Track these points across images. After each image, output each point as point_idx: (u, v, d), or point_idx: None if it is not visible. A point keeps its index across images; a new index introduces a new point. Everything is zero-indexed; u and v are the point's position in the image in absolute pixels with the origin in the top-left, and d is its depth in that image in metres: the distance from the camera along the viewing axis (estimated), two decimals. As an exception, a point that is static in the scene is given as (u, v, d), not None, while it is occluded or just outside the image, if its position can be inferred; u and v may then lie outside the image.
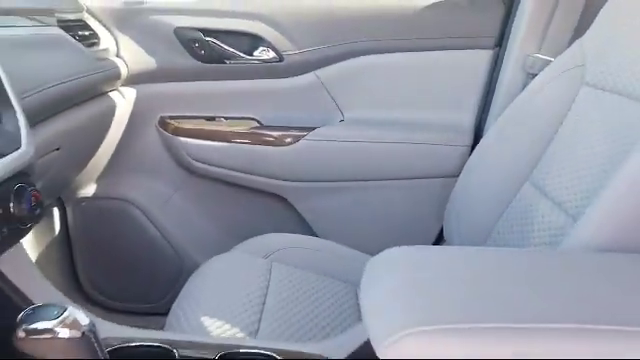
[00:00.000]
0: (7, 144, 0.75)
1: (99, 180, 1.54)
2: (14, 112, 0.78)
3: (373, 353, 0.73)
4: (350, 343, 0.80)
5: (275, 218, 1.67)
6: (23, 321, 0.55)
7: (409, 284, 0.62)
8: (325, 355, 0.77)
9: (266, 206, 1.67)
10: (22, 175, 0.77)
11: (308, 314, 1.02)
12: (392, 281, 0.63)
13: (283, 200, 1.63)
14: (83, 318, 0.58)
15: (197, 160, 1.59)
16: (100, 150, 1.43)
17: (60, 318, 0.56)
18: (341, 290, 1.15)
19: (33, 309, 0.58)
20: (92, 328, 0.58)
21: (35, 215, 0.76)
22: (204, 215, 1.71)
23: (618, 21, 1.05)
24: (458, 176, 1.34)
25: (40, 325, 0.56)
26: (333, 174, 1.57)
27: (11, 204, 0.71)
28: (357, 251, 1.32)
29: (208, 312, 0.99)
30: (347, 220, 1.56)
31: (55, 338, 0.56)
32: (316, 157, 1.55)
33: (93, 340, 0.57)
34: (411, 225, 1.55)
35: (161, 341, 0.78)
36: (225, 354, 0.76)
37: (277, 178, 1.59)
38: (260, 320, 0.99)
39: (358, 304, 1.08)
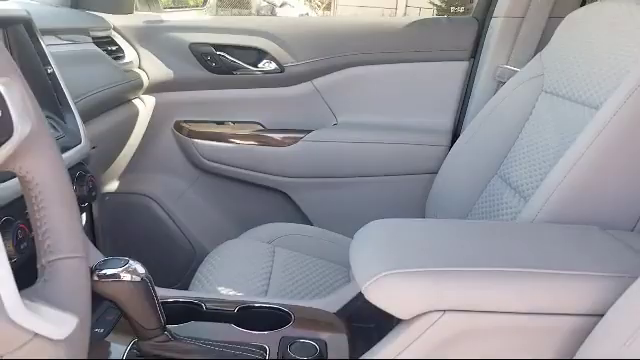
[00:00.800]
0: (71, 140, 0.88)
1: (121, 177, 1.61)
2: (73, 114, 0.93)
3: (358, 307, 0.88)
4: (340, 300, 0.90)
5: (276, 210, 1.73)
6: (96, 268, 0.63)
7: (386, 243, 0.77)
8: (322, 307, 0.89)
9: (268, 199, 1.72)
10: (81, 164, 0.89)
11: (305, 283, 1.12)
12: (374, 242, 0.78)
13: (283, 194, 1.69)
14: (141, 267, 0.73)
15: (208, 159, 1.67)
16: (123, 151, 1.51)
17: (124, 267, 0.72)
18: (333, 269, 1.22)
19: (104, 260, 0.72)
20: (148, 275, 0.73)
21: (92, 196, 0.90)
22: (214, 208, 1.77)
23: (569, 39, 1.15)
24: (437, 172, 1.42)
25: (109, 271, 0.69)
26: (327, 171, 1.65)
27: (74, 187, 0.85)
28: (347, 238, 1.33)
29: (224, 281, 1.09)
30: (339, 211, 1.61)
31: (120, 281, 0.71)
32: (312, 156, 1.63)
33: (149, 284, 0.73)
34: (396, 216, 1.60)
35: (191, 298, 0.88)
36: (242, 307, 0.86)
37: (278, 175, 1.66)
38: (268, 286, 1.09)
39: (347, 278, 1.18)
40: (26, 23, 0.90)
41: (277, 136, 1.64)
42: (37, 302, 0.42)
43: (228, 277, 1.11)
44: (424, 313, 0.66)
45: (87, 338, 0.46)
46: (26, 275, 0.47)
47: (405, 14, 11.76)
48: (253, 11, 10.17)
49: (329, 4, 11.19)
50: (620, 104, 0.85)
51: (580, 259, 0.71)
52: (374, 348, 0.70)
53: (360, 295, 0.85)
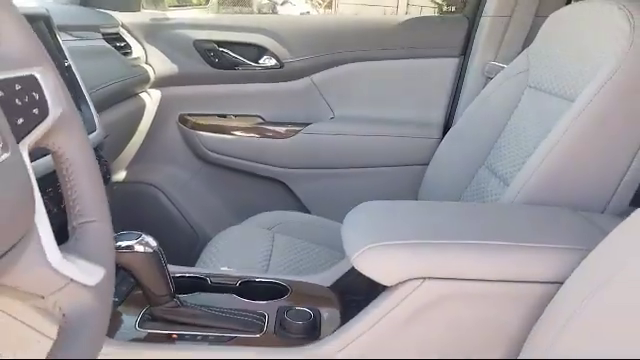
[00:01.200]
0: (86, 127, 0.97)
1: (129, 167, 1.67)
2: (88, 104, 1.00)
3: (349, 282, 0.95)
4: (333, 275, 0.97)
5: (275, 199, 1.77)
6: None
7: (373, 221, 0.84)
8: (317, 282, 0.96)
9: (268, 189, 1.77)
10: (96, 150, 0.96)
11: (303, 264, 1.19)
12: (363, 220, 0.85)
13: (282, 184, 1.74)
14: (153, 241, 0.80)
15: (211, 151, 1.72)
16: (131, 142, 1.56)
17: (138, 239, 0.79)
18: (328, 253, 1.27)
19: (120, 234, 0.79)
20: (160, 248, 0.80)
21: (106, 179, 0.97)
22: (216, 197, 1.82)
23: (553, 36, 1.19)
24: (429, 163, 1.47)
25: (124, 243, 0.74)
26: (324, 162, 1.70)
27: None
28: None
29: (226, 263, 1.15)
30: (335, 200, 1.66)
31: (134, 252, 0.77)
32: (310, 148, 1.68)
33: (160, 255, 0.80)
34: (390, 205, 1.68)
35: (197, 273, 0.96)
36: (244, 281, 0.93)
37: (277, 166, 1.71)
38: (268, 266, 1.15)
39: (340, 259, 1.25)
40: (46, 20, 0.98)
41: (277, 129, 1.69)
42: (71, 256, 0.50)
43: (230, 259, 1.18)
44: (406, 280, 0.74)
45: (112, 287, 0.54)
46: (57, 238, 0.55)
47: (407, 12, 11.79)
48: (254, 9, 10.18)
49: (330, 2, 11.20)
50: (592, 96, 0.91)
51: (546, 234, 0.78)
52: (361, 312, 0.77)
53: (351, 271, 0.94)
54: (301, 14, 8.91)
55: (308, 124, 1.67)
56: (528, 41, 1.46)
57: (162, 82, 1.65)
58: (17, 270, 0.44)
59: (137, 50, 1.58)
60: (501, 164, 1.20)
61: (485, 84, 1.50)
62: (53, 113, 0.52)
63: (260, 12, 9.58)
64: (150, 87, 1.62)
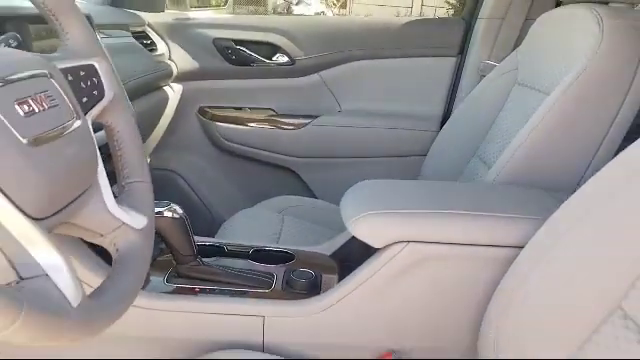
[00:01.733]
0: None
1: (152, 155, 1.73)
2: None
3: (347, 251, 1.07)
4: (334, 245, 1.09)
5: (286, 185, 1.85)
6: None
7: (367, 194, 0.97)
8: (319, 251, 1.09)
9: (279, 176, 1.86)
10: None
11: (307, 240, 1.29)
12: (359, 194, 0.97)
13: (292, 171, 1.84)
14: (179, 209, 0.93)
15: (227, 140, 1.81)
16: (154, 132, 1.63)
17: (167, 207, 0.91)
18: (330, 232, 1.31)
19: None
20: (185, 215, 0.94)
21: None
22: (231, 182, 1.90)
23: (539, 37, 1.28)
24: (427, 154, 1.55)
25: (155, 209, 0.84)
26: (331, 152, 1.79)
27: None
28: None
29: (242, 235, 1.28)
30: (340, 187, 1.55)
31: (164, 217, 0.88)
32: (318, 139, 1.76)
33: (186, 221, 0.93)
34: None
35: (215, 242, 1.09)
36: (256, 250, 1.06)
37: (288, 155, 1.80)
38: (279, 239, 1.27)
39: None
40: (88, 19, 1.11)
41: (288, 121, 1.78)
42: (122, 206, 0.64)
43: (243, 237, 1.28)
44: (392, 243, 0.86)
45: (153, 232, 0.68)
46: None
47: (421, 13, 11.85)
48: (269, 8, 10.27)
49: (344, 2, 11.27)
50: (565, 90, 1.01)
51: (511, 206, 0.90)
52: (355, 271, 0.90)
53: (349, 241, 1.07)
54: (316, 13, 9.02)
55: (317, 117, 1.76)
56: (519, 41, 1.52)
57: (184, 77, 1.73)
58: (84, 213, 0.58)
59: (161, 47, 1.66)
60: (490, 154, 1.29)
61: (480, 81, 1.56)
62: (108, 95, 0.67)
63: (275, 11, 9.69)
64: (173, 81, 1.69)
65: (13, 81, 0.49)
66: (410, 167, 1.71)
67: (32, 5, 0.63)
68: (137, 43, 1.49)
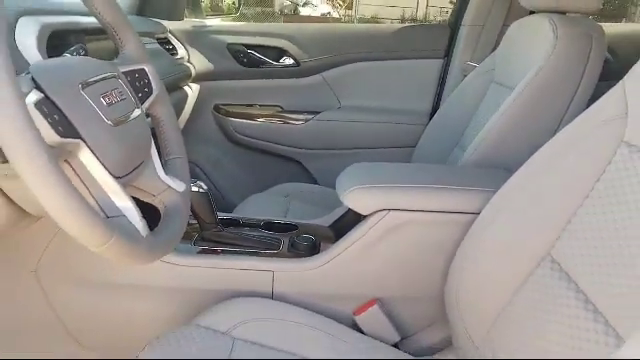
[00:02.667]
0: None
1: None
2: None
3: (343, 222, 1.25)
4: (331, 218, 1.24)
5: (291, 174, 1.97)
6: None
7: (358, 172, 1.15)
8: (319, 223, 1.26)
9: (285, 165, 1.99)
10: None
11: (310, 217, 1.38)
12: (351, 172, 1.15)
13: (297, 161, 1.97)
14: (204, 185, 1.12)
15: (239, 134, 1.95)
16: None
17: (194, 183, 1.09)
18: (330, 213, 1.42)
19: None
20: (209, 191, 1.13)
21: None
22: (242, 172, 2.04)
23: (513, 41, 1.42)
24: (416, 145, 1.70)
25: None
26: (332, 144, 1.92)
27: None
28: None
29: (254, 213, 1.43)
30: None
31: (191, 191, 1.09)
32: (321, 132, 1.90)
33: (209, 195, 1.11)
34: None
35: (230, 216, 1.27)
36: (266, 222, 1.24)
37: (293, 146, 1.93)
38: (285, 216, 1.44)
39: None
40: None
41: (293, 116, 1.91)
42: (167, 175, 0.85)
43: (256, 211, 1.47)
44: (376, 211, 1.04)
45: (190, 195, 0.88)
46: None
47: (426, 14, 11.99)
48: (276, 9, 10.42)
49: (350, 3, 11.41)
50: (525, 86, 1.18)
51: (472, 181, 1.09)
52: (346, 234, 1.09)
53: (344, 214, 1.26)
54: (322, 14, 9.19)
55: (319, 112, 1.90)
56: (497, 45, 1.61)
57: (201, 77, 1.84)
58: (142, 178, 0.79)
59: (181, 51, 1.78)
60: (467, 144, 1.37)
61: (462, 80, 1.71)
62: (155, 92, 0.88)
63: (282, 12, 9.86)
64: (191, 81, 1.80)
65: (97, 81, 0.70)
66: (401, 157, 1.86)
67: (89, 20, 0.80)
68: (161, 48, 1.65)
